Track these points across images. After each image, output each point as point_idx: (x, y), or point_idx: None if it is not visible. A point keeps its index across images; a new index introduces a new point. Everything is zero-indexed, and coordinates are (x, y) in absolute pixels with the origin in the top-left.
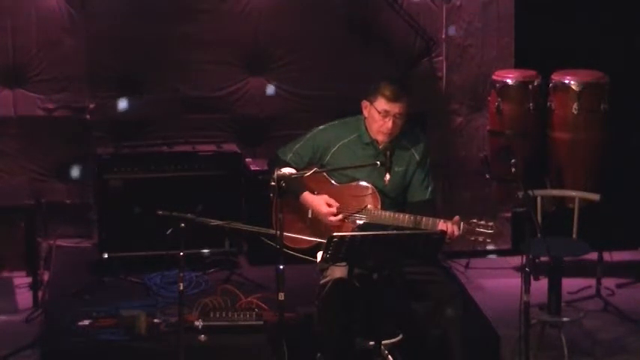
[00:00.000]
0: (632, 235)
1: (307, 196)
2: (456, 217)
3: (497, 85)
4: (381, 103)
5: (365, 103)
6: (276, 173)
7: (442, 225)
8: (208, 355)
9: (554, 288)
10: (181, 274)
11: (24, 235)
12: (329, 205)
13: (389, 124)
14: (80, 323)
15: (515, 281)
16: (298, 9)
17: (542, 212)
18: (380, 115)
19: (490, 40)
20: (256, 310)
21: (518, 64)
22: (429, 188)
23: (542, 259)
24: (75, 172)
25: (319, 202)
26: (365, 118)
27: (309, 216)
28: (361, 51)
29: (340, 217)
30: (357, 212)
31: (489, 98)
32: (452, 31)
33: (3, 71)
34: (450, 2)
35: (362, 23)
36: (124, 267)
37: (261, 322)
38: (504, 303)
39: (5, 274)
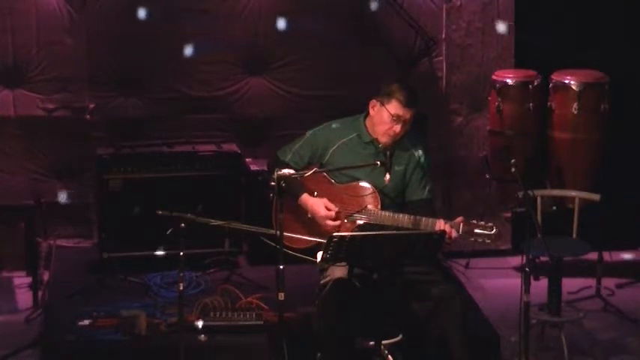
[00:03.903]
0: (632, 235)
1: (306, 198)
2: (459, 219)
3: (497, 85)
4: (395, 107)
5: (374, 103)
6: (276, 173)
7: (441, 225)
8: (208, 355)
9: (554, 288)
10: (181, 274)
11: (24, 235)
12: (328, 209)
13: (397, 128)
14: (80, 323)
15: (515, 281)
16: (298, 9)
17: (542, 212)
18: (391, 119)
19: (490, 40)
20: (256, 310)
21: (518, 64)
22: (427, 187)
23: (542, 259)
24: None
25: (318, 205)
26: (367, 116)
27: (309, 216)
28: (361, 51)
29: (337, 223)
30: (357, 212)
31: (489, 98)
32: None
33: (3, 71)
34: (450, 2)
35: (362, 23)
36: (124, 267)
37: (261, 322)
38: (504, 303)
39: (5, 274)
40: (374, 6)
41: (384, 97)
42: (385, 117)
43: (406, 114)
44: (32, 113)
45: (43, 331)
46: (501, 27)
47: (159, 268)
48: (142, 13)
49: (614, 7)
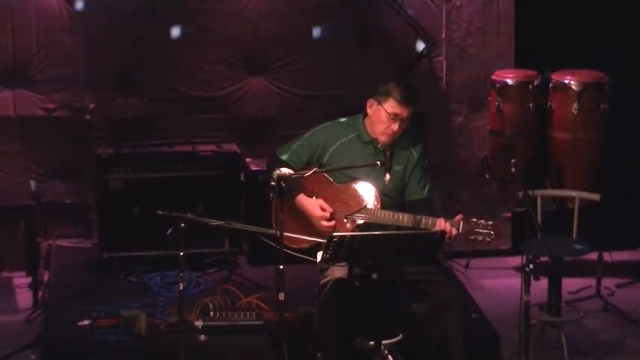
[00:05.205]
0: (632, 235)
1: (302, 198)
2: (459, 216)
3: (497, 85)
4: (392, 106)
5: (371, 102)
6: (276, 173)
7: (441, 224)
8: (208, 355)
9: (554, 288)
10: (181, 274)
11: (24, 235)
12: (322, 210)
13: (395, 126)
14: (80, 323)
15: (515, 281)
16: (298, 9)
17: (542, 212)
18: (388, 118)
19: (490, 40)
20: (256, 310)
21: (518, 64)
22: (427, 187)
23: (542, 259)
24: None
25: (313, 206)
26: (366, 116)
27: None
28: (361, 51)
29: (332, 223)
30: (357, 211)
31: (489, 98)
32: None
33: (3, 71)
34: (450, 2)
35: (362, 23)
36: (124, 267)
37: (261, 322)
38: (504, 303)
39: (5, 274)
40: (374, 6)
41: (381, 96)
42: (383, 116)
43: (403, 112)
44: (32, 113)
45: (43, 331)
46: None
47: (159, 268)
48: (141, 13)
49: (615, 7)
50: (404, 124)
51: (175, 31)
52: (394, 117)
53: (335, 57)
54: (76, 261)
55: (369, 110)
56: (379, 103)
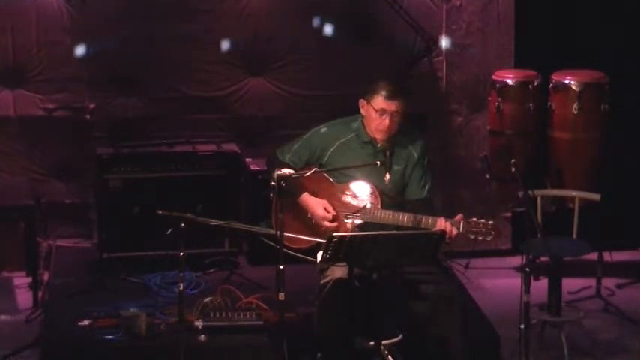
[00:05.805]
0: (632, 235)
1: (306, 197)
2: (459, 216)
3: (498, 85)
4: (378, 102)
5: (362, 102)
6: (276, 173)
7: (441, 224)
8: (208, 355)
9: (554, 288)
10: (181, 274)
11: (24, 235)
12: (326, 211)
13: (386, 122)
14: (80, 323)
15: (515, 281)
16: (298, 9)
17: (542, 212)
18: (377, 114)
19: (490, 40)
20: (256, 310)
21: (518, 64)
22: (427, 187)
23: (542, 259)
24: None
25: (317, 205)
26: (363, 117)
27: (309, 216)
28: (361, 51)
29: (335, 224)
30: (357, 212)
31: (489, 98)
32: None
33: (3, 71)
34: (450, 2)
35: (362, 23)
36: (124, 267)
37: (261, 322)
38: (504, 303)
39: (5, 274)
40: (374, 6)
41: (369, 94)
42: (372, 114)
43: (391, 106)
44: (32, 113)
45: (43, 331)
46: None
47: (159, 268)
48: (141, 12)
49: (615, 7)
50: (395, 119)
51: (176, 31)
52: (382, 112)
53: (335, 57)
54: (76, 261)
55: (361, 110)
56: (368, 101)
